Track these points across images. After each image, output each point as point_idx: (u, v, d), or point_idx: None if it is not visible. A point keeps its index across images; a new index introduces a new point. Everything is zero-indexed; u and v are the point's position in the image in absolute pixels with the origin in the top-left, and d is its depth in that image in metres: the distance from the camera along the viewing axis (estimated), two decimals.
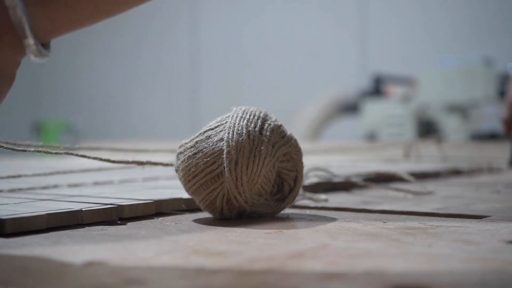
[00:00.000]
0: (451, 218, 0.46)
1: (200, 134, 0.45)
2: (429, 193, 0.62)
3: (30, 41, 0.38)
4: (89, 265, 0.31)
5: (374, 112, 2.25)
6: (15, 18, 0.37)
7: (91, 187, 0.60)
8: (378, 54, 3.03)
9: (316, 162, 0.92)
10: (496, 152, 1.15)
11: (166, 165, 0.53)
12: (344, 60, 3.10)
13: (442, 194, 0.62)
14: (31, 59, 0.39)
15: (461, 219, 0.46)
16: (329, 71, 3.12)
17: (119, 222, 0.44)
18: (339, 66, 3.11)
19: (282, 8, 3.34)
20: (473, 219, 0.45)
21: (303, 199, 0.55)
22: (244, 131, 0.44)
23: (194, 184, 0.44)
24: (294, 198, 0.47)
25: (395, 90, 2.30)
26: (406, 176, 0.68)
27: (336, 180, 0.66)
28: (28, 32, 0.37)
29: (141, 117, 3.90)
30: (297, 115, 2.49)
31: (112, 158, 0.50)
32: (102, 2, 0.40)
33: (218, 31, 3.59)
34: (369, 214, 0.48)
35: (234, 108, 0.46)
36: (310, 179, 0.64)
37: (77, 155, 0.48)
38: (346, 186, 0.66)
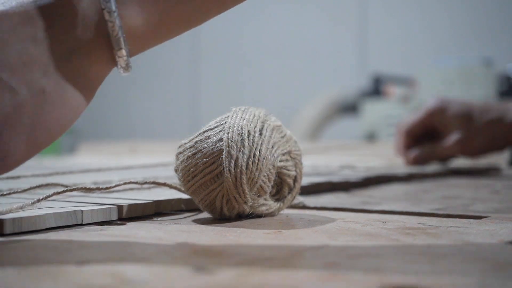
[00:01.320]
0: (450, 219, 0.46)
1: (199, 134, 0.45)
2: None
3: (123, 52, 0.39)
4: (88, 265, 0.31)
5: (374, 112, 2.25)
6: (113, 32, 0.38)
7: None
8: (378, 54, 3.03)
9: (316, 162, 0.92)
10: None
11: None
12: (344, 60, 3.10)
13: (441, 195, 0.62)
14: (120, 72, 0.40)
15: (461, 219, 0.46)
16: (328, 71, 3.12)
17: (118, 222, 0.44)
18: (339, 66, 3.11)
19: (282, 9, 3.34)
20: (472, 220, 0.45)
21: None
22: (243, 131, 0.44)
23: (194, 184, 0.44)
24: (294, 198, 0.47)
25: (394, 90, 2.30)
26: None
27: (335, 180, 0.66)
28: (123, 43, 0.38)
29: (141, 117, 3.90)
30: (297, 115, 2.49)
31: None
32: (194, 12, 0.41)
33: (218, 31, 3.59)
34: (368, 215, 0.48)
35: (234, 108, 0.46)
36: (309, 179, 0.64)
37: None
38: (345, 186, 0.66)
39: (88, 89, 0.39)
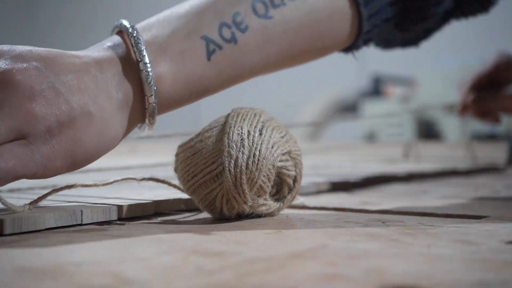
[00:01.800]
0: (450, 218, 0.46)
1: (199, 134, 0.45)
2: None
3: (153, 98, 0.44)
4: (88, 265, 0.31)
5: (374, 112, 2.25)
6: (147, 79, 0.44)
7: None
8: (378, 54, 3.03)
9: (315, 162, 0.92)
10: (495, 152, 1.15)
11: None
12: (344, 60, 3.10)
13: (441, 195, 0.62)
14: (144, 128, 0.47)
15: (460, 219, 0.46)
16: (328, 71, 3.12)
17: (118, 222, 0.44)
18: (339, 66, 3.11)
19: None
20: (472, 219, 0.45)
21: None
22: (243, 131, 0.44)
23: (193, 184, 0.44)
24: (294, 198, 0.47)
25: (394, 91, 2.30)
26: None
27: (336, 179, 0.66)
28: (153, 91, 0.44)
29: None
30: (297, 116, 2.49)
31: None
32: (225, 72, 0.48)
33: None
34: (368, 214, 0.48)
35: (234, 108, 0.46)
36: (309, 179, 0.64)
37: None
38: (345, 186, 0.66)
39: (123, 126, 0.44)
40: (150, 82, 0.44)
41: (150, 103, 0.44)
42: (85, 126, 0.41)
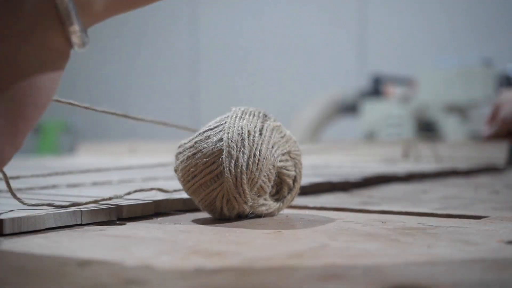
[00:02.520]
0: (450, 219, 0.46)
1: (199, 134, 0.45)
2: None
3: (76, 27, 0.35)
4: (88, 265, 0.31)
5: (374, 112, 2.25)
6: (62, 4, 0.35)
7: (90, 187, 0.60)
8: (377, 54, 3.03)
9: (315, 162, 0.92)
10: (494, 153, 1.15)
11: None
12: (343, 60, 3.11)
13: (441, 195, 0.62)
14: (75, 48, 0.37)
15: (460, 219, 0.46)
16: (328, 71, 3.12)
17: (118, 222, 0.44)
18: (338, 66, 3.11)
19: (282, 8, 3.34)
20: (472, 220, 0.45)
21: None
22: (243, 131, 0.44)
23: (194, 184, 0.44)
24: (293, 198, 0.47)
25: (394, 90, 2.30)
26: None
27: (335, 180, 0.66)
28: (74, 18, 0.35)
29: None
30: (296, 115, 2.49)
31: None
32: None
33: (217, 31, 3.59)
34: (368, 215, 0.48)
35: (234, 108, 0.46)
36: (309, 179, 0.64)
37: None
38: (345, 186, 0.66)
39: (53, 68, 0.36)
40: (66, 8, 0.35)
41: (73, 33, 0.36)
42: (9, 104, 0.35)
